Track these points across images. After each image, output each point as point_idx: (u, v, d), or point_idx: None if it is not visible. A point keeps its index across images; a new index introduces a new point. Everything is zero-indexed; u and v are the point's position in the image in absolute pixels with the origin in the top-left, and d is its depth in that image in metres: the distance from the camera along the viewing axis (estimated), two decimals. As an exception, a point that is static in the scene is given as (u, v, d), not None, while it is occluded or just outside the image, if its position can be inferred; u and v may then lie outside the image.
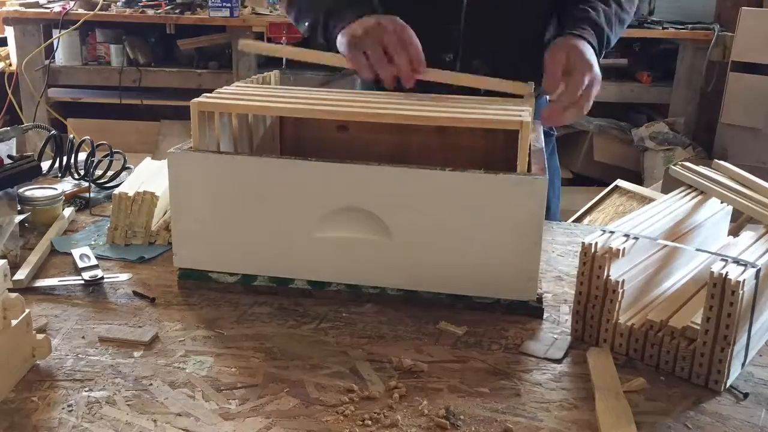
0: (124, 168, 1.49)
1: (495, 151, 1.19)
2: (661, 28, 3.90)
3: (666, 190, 2.74)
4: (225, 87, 1.15)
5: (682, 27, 3.92)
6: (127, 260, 1.13)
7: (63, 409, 0.77)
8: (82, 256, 1.10)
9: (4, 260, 0.80)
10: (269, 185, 0.99)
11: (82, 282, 1.04)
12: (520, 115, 0.99)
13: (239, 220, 1.02)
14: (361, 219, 0.99)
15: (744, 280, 0.79)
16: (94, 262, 1.09)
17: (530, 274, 0.98)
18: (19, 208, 1.24)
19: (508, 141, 1.11)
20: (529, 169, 0.97)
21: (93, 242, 1.19)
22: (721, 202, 1.10)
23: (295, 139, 1.29)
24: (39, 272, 1.08)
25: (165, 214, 1.23)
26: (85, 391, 0.80)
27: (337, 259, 1.02)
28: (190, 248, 1.04)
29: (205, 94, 1.06)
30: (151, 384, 0.82)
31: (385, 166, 0.97)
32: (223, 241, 1.03)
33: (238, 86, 1.17)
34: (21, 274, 1.03)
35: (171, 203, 1.03)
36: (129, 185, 1.23)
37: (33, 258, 1.09)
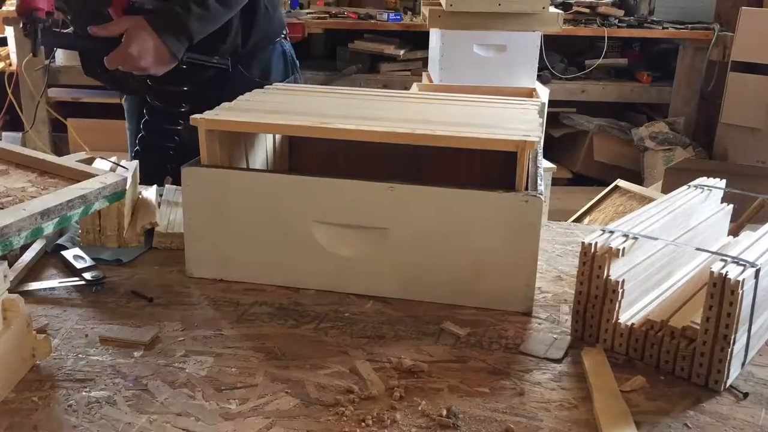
0: None
1: (494, 161, 1.19)
2: (661, 28, 3.90)
3: (666, 190, 2.74)
4: (240, 98, 1.18)
5: (682, 27, 3.92)
6: (106, 262, 1.12)
7: (63, 409, 0.77)
8: (76, 257, 1.10)
9: (4, 261, 0.80)
10: (277, 199, 1.02)
11: (83, 282, 1.04)
12: (525, 135, 0.99)
13: (249, 233, 1.04)
14: (367, 234, 1.01)
15: (744, 279, 0.79)
16: (90, 262, 1.09)
17: (526, 288, 0.99)
18: None
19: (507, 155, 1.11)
20: (527, 187, 0.98)
21: (70, 245, 1.16)
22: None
23: (303, 140, 1.30)
24: (32, 274, 1.08)
25: (131, 214, 1.23)
26: (85, 391, 0.80)
27: (340, 270, 1.03)
28: (202, 258, 1.07)
29: (208, 112, 1.07)
30: (151, 384, 0.82)
31: (393, 183, 0.99)
32: (232, 252, 1.05)
33: (247, 97, 1.20)
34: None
35: (184, 215, 1.06)
36: None
37: (25, 259, 1.09)
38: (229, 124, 1.04)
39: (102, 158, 1.35)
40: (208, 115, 1.05)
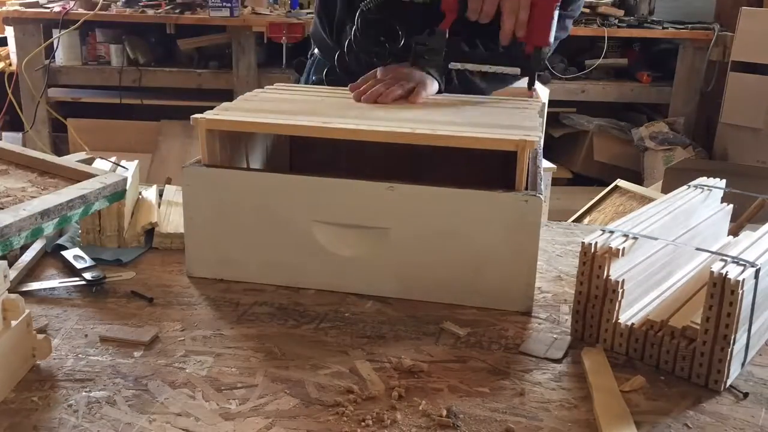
0: None
1: (494, 161, 1.19)
2: (661, 28, 3.90)
3: (666, 190, 2.74)
4: (239, 98, 1.18)
5: (682, 27, 3.92)
6: (106, 262, 1.12)
7: (63, 409, 0.77)
8: (76, 257, 1.10)
9: (4, 260, 0.80)
10: (277, 199, 1.02)
11: (83, 282, 1.04)
12: (525, 135, 0.99)
13: (249, 233, 1.04)
14: (366, 234, 1.01)
15: (744, 279, 0.79)
16: (91, 262, 1.09)
17: (526, 288, 0.99)
18: None
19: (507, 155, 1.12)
20: (527, 187, 0.98)
21: (70, 245, 1.16)
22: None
23: (304, 139, 1.30)
24: (32, 274, 1.08)
25: (132, 215, 1.22)
26: (85, 391, 0.80)
27: (340, 270, 1.03)
28: (202, 258, 1.07)
29: (208, 112, 1.07)
30: (151, 384, 0.82)
31: (393, 183, 0.99)
32: (232, 252, 1.05)
33: (247, 97, 1.20)
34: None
35: (184, 215, 1.06)
36: None
37: (25, 259, 1.09)
38: (229, 124, 1.04)
39: (102, 158, 1.35)
40: (208, 115, 1.05)
